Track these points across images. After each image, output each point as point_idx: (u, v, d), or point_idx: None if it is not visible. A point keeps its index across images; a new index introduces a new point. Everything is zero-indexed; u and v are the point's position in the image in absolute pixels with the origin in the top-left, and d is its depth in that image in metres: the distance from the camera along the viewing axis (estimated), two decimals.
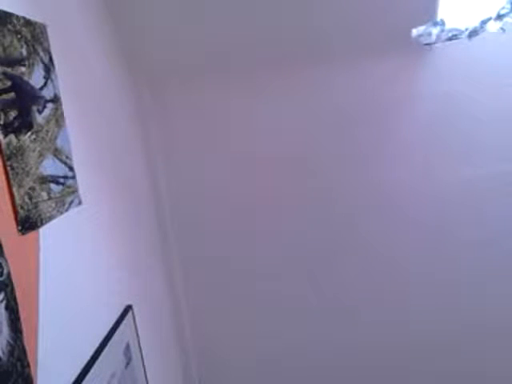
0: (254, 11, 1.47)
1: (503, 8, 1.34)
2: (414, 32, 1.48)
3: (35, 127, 0.87)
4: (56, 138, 0.95)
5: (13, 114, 0.80)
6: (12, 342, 0.71)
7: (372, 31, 1.53)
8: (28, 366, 0.75)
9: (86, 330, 1.03)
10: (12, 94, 0.81)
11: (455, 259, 1.79)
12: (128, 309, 1.27)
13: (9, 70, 0.81)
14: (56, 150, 0.94)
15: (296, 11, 1.48)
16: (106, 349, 1.08)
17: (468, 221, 1.75)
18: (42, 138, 0.89)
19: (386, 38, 1.54)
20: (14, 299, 0.74)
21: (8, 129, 0.78)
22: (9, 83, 0.80)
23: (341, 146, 1.73)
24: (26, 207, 0.81)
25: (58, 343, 0.88)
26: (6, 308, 0.71)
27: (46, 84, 0.92)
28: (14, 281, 0.74)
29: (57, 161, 0.94)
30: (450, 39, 1.47)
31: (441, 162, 1.71)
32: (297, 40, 1.56)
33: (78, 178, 1.03)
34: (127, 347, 1.23)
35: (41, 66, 0.92)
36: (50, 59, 0.96)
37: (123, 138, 1.51)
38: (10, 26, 0.82)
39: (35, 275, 0.83)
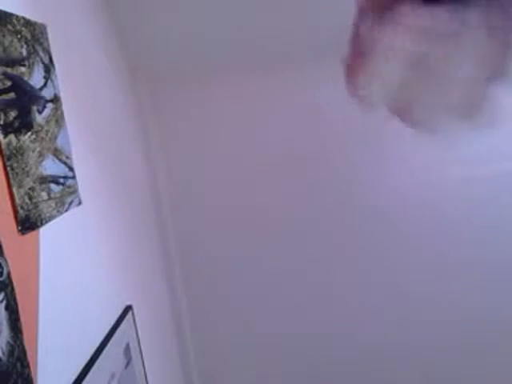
0: (254, 12, 1.47)
1: None
2: None
3: (35, 127, 0.87)
4: (56, 138, 0.95)
5: (13, 114, 0.80)
6: (12, 342, 0.71)
7: None
8: (28, 366, 0.75)
9: (86, 330, 1.03)
10: (12, 94, 0.81)
11: (455, 264, 1.79)
12: (128, 309, 1.27)
13: (9, 70, 0.81)
14: (56, 150, 0.94)
15: (297, 12, 1.48)
16: (106, 349, 1.08)
17: (468, 222, 1.75)
18: (42, 138, 0.89)
19: None
20: (14, 299, 0.74)
21: (8, 129, 0.78)
22: (9, 83, 0.80)
23: (343, 145, 1.73)
24: (25, 207, 0.81)
25: (57, 343, 0.88)
26: (6, 308, 0.71)
27: (45, 84, 0.93)
28: (14, 281, 0.74)
29: (57, 161, 0.94)
30: None
31: (441, 162, 1.71)
32: (298, 40, 1.56)
33: (78, 178, 1.03)
34: (127, 347, 1.23)
35: (41, 66, 0.92)
36: (50, 59, 0.96)
37: (123, 138, 1.51)
38: (9, 26, 0.83)
39: (35, 275, 0.83)
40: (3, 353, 0.69)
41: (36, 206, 0.84)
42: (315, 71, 1.67)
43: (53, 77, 0.96)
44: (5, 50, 0.80)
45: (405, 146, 1.72)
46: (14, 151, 0.79)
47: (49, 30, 0.96)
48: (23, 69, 0.85)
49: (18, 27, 0.85)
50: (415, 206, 1.76)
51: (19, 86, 0.83)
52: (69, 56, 1.08)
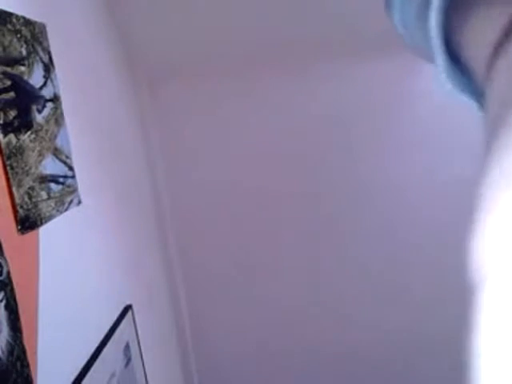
0: (254, 11, 1.47)
1: None
2: None
3: (35, 127, 0.87)
4: (56, 137, 0.95)
5: (12, 113, 0.80)
6: (12, 341, 0.71)
7: (373, 31, 1.53)
8: (28, 365, 0.75)
9: (86, 329, 1.03)
10: (12, 94, 0.81)
11: (455, 261, 1.79)
12: (128, 308, 1.27)
13: (8, 69, 0.81)
14: (56, 149, 0.94)
15: (296, 12, 1.48)
16: (106, 348, 1.08)
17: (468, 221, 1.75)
18: (42, 137, 0.89)
19: (386, 37, 1.54)
20: (14, 299, 0.74)
21: (8, 128, 0.78)
22: (8, 83, 0.80)
23: (342, 145, 1.73)
24: (25, 207, 0.81)
25: (57, 343, 0.88)
26: (6, 308, 0.71)
27: (45, 83, 0.92)
28: (13, 280, 0.74)
29: (56, 160, 0.94)
30: None
31: (442, 162, 1.71)
32: (297, 40, 1.56)
33: (78, 177, 1.03)
34: (127, 347, 1.23)
35: (40, 65, 0.92)
36: (50, 59, 0.96)
37: (123, 138, 1.51)
38: (9, 26, 0.82)
39: (35, 275, 0.83)
40: (3, 352, 0.69)
41: (36, 205, 0.84)
42: (318, 70, 1.67)
43: (52, 76, 0.96)
44: (4, 49, 0.80)
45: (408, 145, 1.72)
46: (14, 150, 0.79)
47: (48, 30, 0.96)
48: (23, 68, 0.85)
49: (18, 26, 0.85)
50: (416, 208, 1.76)
51: (19, 86, 0.83)
52: (69, 55, 1.08)
